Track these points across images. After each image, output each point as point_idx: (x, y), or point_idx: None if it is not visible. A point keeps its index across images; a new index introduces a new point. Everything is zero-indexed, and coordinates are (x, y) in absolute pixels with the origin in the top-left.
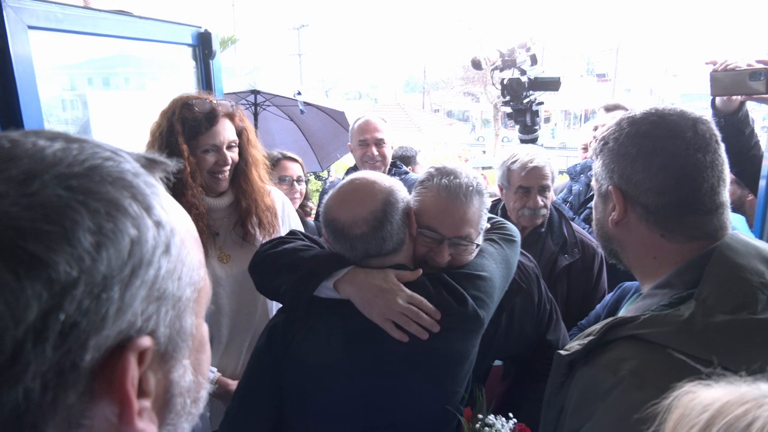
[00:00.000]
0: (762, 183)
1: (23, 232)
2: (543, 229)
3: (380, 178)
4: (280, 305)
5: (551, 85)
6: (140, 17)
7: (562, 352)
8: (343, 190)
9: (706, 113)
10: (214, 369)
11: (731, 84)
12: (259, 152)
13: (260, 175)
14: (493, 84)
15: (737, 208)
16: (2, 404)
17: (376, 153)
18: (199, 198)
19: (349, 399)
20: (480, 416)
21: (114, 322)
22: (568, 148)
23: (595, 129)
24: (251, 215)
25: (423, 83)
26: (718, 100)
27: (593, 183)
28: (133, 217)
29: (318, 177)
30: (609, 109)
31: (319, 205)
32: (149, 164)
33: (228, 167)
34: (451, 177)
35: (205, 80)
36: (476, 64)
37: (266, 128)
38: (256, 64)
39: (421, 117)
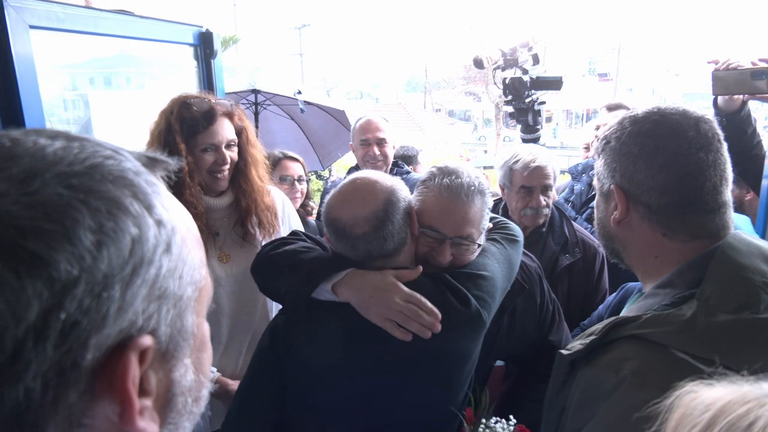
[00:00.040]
0: (764, 183)
1: (24, 230)
2: (544, 229)
3: (382, 177)
4: (281, 306)
5: (553, 84)
6: (142, 17)
7: (563, 351)
8: (344, 189)
9: (708, 112)
10: (214, 369)
11: (733, 83)
12: (258, 152)
13: (260, 175)
14: (495, 83)
15: (737, 207)
16: (3, 403)
17: (377, 152)
18: (197, 197)
19: (350, 399)
20: (483, 421)
21: (115, 320)
22: (567, 147)
23: (597, 128)
24: (251, 215)
25: (424, 83)
26: (720, 99)
27: (595, 182)
28: (134, 216)
29: (319, 176)
30: (611, 108)
31: (320, 205)
32: (150, 163)
33: (227, 166)
34: (453, 177)
35: (207, 80)
36: (478, 64)
37: (267, 128)
38: (258, 64)
39: (422, 116)
